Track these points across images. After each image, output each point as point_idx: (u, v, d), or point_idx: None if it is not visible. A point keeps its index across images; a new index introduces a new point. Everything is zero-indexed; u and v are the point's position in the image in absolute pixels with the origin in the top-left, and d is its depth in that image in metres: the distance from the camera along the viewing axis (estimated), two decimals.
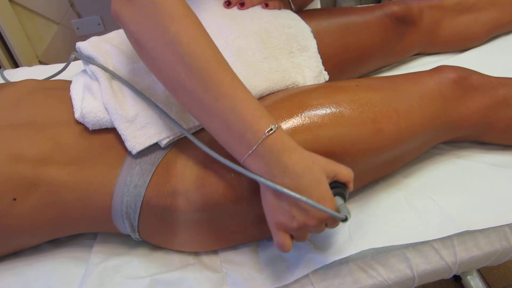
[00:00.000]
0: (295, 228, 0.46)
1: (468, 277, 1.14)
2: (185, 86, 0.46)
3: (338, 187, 0.48)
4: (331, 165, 0.47)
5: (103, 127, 0.56)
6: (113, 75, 0.59)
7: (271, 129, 0.44)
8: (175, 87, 0.48)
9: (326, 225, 0.48)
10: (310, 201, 0.44)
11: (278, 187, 0.44)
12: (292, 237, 0.48)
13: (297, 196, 0.43)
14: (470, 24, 0.88)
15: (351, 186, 0.49)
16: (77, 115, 0.56)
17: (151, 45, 0.47)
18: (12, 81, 0.85)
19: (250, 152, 0.44)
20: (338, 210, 0.47)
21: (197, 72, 0.45)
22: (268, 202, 0.47)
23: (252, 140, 0.44)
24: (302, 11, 0.79)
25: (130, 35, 0.50)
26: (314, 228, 0.47)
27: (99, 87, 0.57)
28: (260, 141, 0.44)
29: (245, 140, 0.45)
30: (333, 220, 0.47)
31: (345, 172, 0.48)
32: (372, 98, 0.57)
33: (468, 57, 0.89)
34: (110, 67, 0.60)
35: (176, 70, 0.46)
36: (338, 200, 0.48)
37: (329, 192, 0.46)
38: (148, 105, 0.55)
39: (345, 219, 0.46)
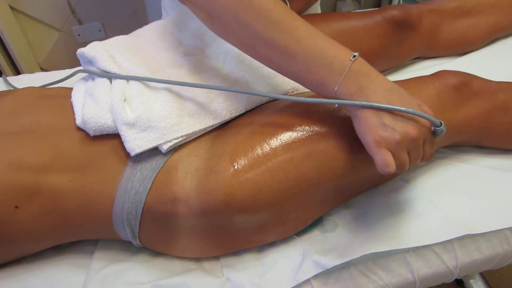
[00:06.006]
0: (397, 140, 0.46)
1: (471, 281, 1.13)
2: (264, 39, 0.49)
3: None
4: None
5: (104, 133, 0.56)
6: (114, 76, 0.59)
7: (354, 55, 0.48)
8: (254, 45, 0.51)
9: (424, 143, 0.49)
10: (412, 110, 0.46)
11: (381, 105, 0.46)
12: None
13: (401, 108, 0.46)
14: (469, 28, 0.88)
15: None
16: (78, 121, 0.56)
17: (221, 10, 0.50)
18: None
19: (342, 78, 0.48)
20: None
21: (274, 24, 0.49)
22: (364, 122, 0.48)
23: (340, 69, 0.48)
24: (301, 16, 0.79)
25: (200, 8, 0.53)
26: (414, 141, 0.47)
27: (103, 88, 0.57)
28: (349, 66, 0.48)
29: (334, 70, 0.48)
30: (430, 136, 0.49)
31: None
32: None
33: (468, 60, 0.89)
34: (115, 69, 0.61)
35: (253, 26, 0.49)
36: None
37: (422, 102, 0.49)
38: (150, 108, 0.56)
39: (440, 125, 0.48)
